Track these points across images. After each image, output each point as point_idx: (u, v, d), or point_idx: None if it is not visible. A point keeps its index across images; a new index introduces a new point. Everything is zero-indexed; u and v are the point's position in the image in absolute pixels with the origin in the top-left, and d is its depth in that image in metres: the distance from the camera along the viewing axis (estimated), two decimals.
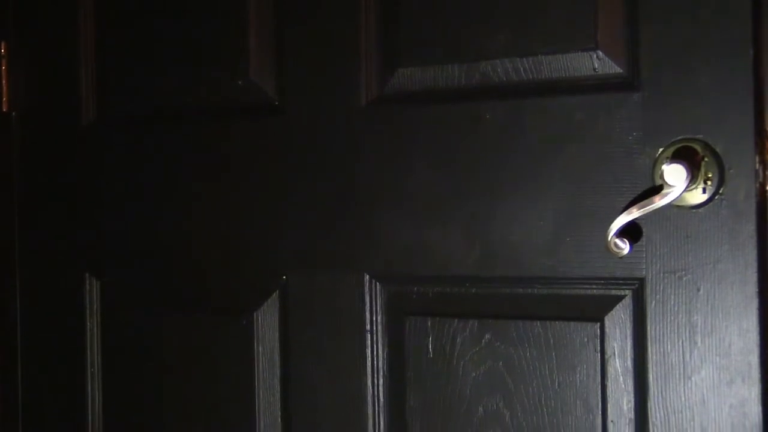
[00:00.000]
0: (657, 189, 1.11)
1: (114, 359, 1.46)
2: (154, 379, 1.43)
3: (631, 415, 1.16)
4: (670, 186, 1.08)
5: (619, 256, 1.11)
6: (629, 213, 1.10)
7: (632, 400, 1.16)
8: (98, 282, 1.47)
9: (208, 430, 1.39)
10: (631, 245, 1.10)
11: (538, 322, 1.21)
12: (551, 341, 1.20)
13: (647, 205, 1.10)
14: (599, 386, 1.18)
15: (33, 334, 1.50)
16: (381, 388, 1.29)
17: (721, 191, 1.11)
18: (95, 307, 1.47)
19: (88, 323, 1.46)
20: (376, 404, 1.29)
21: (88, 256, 1.47)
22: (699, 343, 1.13)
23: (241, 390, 1.36)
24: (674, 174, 1.08)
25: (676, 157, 1.11)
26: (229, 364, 1.38)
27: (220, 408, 1.38)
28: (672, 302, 1.14)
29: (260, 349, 1.35)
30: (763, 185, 1.11)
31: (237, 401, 1.36)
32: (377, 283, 1.29)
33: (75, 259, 1.48)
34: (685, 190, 1.09)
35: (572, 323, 1.19)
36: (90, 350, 1.46)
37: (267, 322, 1.36)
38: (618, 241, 1.10)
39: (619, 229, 1.10)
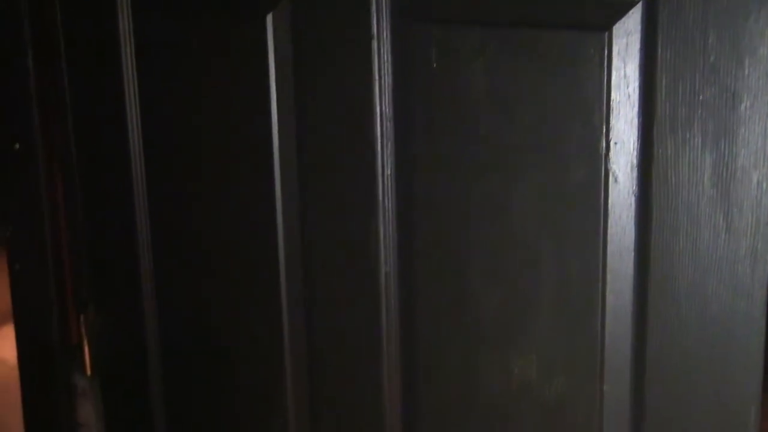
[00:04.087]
0: None
1: (147, 61, 1.43)
2: (181, 79, 1.40)
3: (635, 136, 1.04)
4: None
5: None
6: None
7: (637, 119, 1.04)
8: None
9: (229, 132, 1.37)
10: None
11: (543, 32, 1.07)
12: (555, 52, 1.07)
13: None
14: (604, 105, 1.05)
15: (73, 38, 1.50)
16: (387, 102, 1.21)
17: None
18: (126, 9, 1.43)
19: (121, 25, 1.44)
20: (384, 119, 1.22)
21: None
22: (713, 59, 0.97)
23: (258, 100, 1.32)
24: None
25: None
26: (248, 73, 1.32)
27: (240, 117, 1.35)
28: (686, 11, 0.98)
29: (275, 56, 1.29)
30: None
31: (254, 116, 1.32)
32: None
33: None
34: None
35: (578, 33, 1.05)
36: (124, 51, 1.44)
37: (280, 26, 1.28)
38: None
39: None
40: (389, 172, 1.24)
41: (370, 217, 1.26)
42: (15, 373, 1.60)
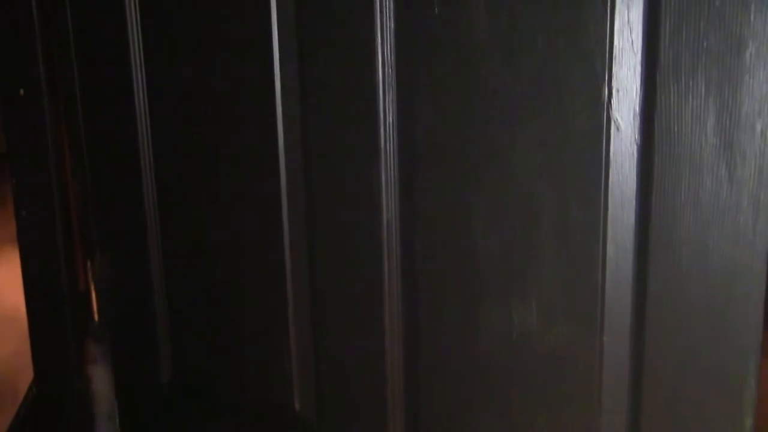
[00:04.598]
0: None
1: None
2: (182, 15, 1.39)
3: (637, 83, 1.02)
4: None
5: None
6: None
7: (640, 66, 1.01)
8: None
9: (232, 78, 1.35)
10: None
11: None
12: None
13: None
14: (606, 51, 1.03)
15: None
16: (390, 48, 1.19)
17: None
18: None
19: None
20: (386, 66, 1.20)
21: None
22: (718, 3, 0.95)
23: (260, 45, 1.30)
24: None
25: None
26: (250, 17, 1.31)
27: (242, 63, 1.34)
28: None
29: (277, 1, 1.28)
30: None
31: (257, 61, 1.31)
32: None
33: None
34: None
35: None
36: None
37: None
38: None
39: None
40: (391, 120, 1.22)
41: (372, 165, 1.25)
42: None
